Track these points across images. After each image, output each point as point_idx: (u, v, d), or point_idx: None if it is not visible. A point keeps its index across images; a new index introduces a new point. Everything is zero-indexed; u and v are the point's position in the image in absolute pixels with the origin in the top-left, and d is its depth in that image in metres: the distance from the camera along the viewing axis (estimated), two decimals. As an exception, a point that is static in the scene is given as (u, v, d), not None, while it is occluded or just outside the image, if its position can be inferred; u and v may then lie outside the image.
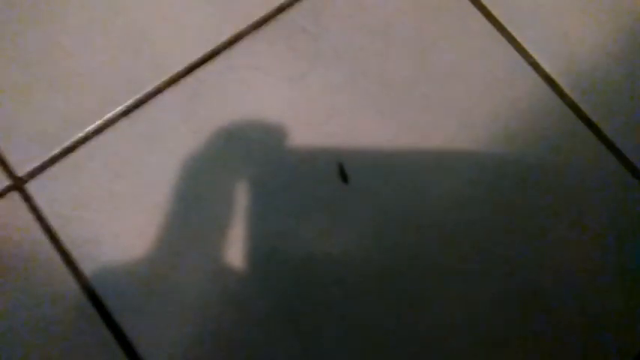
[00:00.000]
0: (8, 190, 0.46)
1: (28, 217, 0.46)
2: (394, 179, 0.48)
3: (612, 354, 0.46)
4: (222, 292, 0.45)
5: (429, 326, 0.45)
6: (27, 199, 0.46)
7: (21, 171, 0.46)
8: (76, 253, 0.45)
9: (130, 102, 0.48)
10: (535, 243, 0.47)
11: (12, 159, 0.46)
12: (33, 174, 0.46)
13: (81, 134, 0.47)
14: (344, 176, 0.47)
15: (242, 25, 0.51)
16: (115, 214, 0.46)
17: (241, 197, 0.46)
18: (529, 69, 0.52)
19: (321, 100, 0.49)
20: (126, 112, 0.48)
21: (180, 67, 0.49)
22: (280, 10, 0.51)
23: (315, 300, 0.45)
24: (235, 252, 0.45)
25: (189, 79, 0.49)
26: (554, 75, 0.51)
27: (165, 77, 0.49)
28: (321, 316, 0.45)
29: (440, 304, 0.46)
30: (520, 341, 0.45)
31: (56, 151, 0.47)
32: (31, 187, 0.46)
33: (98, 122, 0.47)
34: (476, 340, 0.45)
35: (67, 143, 0.47)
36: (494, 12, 0.52)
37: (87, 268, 0.45)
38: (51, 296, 0.44)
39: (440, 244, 0.47)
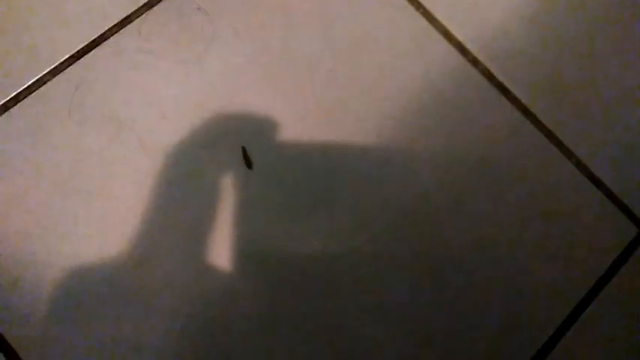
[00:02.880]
0: None
1: None
2: (301, 161, 0.45)
3: (536, 324, 0.44)
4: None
5: (348, 312, 0.43)
6: None
7: None
8: (-49, 264, 0.41)
9: (9, 97, 0.44)
10: (451, 218, 0.45)
11: None
12: None
13: (-45, 134, 0.43)
14: (248, 162, 0.45)
15: (131, 7, 0.47)
16: (-3, 218, 0.42)
17: (136, 191, 0.43)
18: (440, 38, 0.49)
19: (221, 82, 0.46)
20: (5, 108, 0.44)
21: (64, 56, 0.45)
22: (172, -11, 0.48)
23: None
24: (133, 251, 0.42)
25: (74, 69, 0.45)
26: (465, 43, 0.49)
27: (47, 68, 0.45)
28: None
29: (341, 288, 0.43)
30: (442, 316, 0.43)
31: None
32: None
33: (-26, 120, 0.43)
34: (398, 320, 0.43)
35: (-61, 145, 0.43)
36: (401, -20, 0.50)
37: (-31, 279, 0.41)
38: None
39: (354, 226, 0.44)
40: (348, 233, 0.44)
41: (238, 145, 0.45)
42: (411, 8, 0.50)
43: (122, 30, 0.46)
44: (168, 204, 0.43)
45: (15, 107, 0.44)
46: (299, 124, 0.46)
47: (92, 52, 0.46)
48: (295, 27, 0.48)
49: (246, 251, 0.43)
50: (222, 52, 0.47)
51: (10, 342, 0.40)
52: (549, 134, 0.48)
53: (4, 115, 0.44)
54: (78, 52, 0.46)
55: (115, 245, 0.42)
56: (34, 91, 0.45)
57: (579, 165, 0.47)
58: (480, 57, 0.49)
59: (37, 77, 0.45)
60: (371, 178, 0.45)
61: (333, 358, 0.42)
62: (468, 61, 0.49)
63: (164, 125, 0.45)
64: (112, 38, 0.46)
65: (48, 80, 0.45)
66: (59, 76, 0.45)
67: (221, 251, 0.43)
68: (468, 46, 0.49)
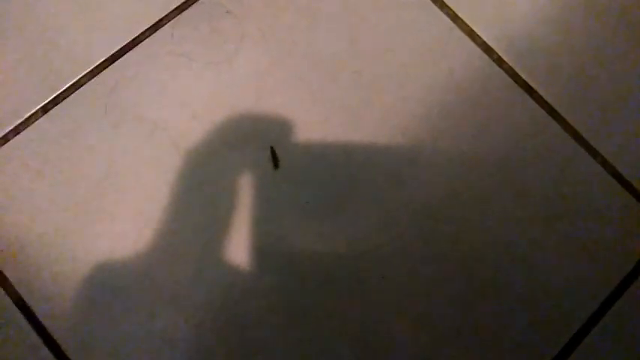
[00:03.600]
0: None
1: (-50, 224, 0.44)
2: (327, 160, 0.46)
3: (560, 322, 0.44)
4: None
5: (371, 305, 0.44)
6: (-54, 205, 0.44)
7: (-63, 177, 0.44)
8: (-3, 258, 0.43)
9: (48, 99, 0.46)
10: (477, 216, 0.46)
11: None
12: (-49, 179, 0.44)
13: (-1, 136, 0.45)
14: (276, 161, 0.46)
15: (163, 12, 0.49)
16: (38, 214, 0.44)
17: (170, 190, 0.45)
18: (464, 38, 0.50)
19: (249, 83, 0.48)
20: (45, 110, 0.46)
21: (99, 59, 0.47)
22: (202, -7, 0.49)
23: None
24: (168, 250, 0.44)
25: (109, 72, 0.47)
26: (490, 42, 0.50)
27: (84, 71, 0.47)
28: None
29: (376, 284, 0.44)
30: (466, 313, 0.44)
31: (-26, 154, 0.45)
32: (-50, 193, 0.44)
33: (16, 122, 0.46)
34: (422, 317, 0.44)
35: (-16, 146, 0.45)
36: (426, -19, 0.51)
37: (11, 274, 0.43)
38: (-21, 305, 0.43)
39: (378, 224, 0.45)
40: (373, 232, 0.45)
41: (266, 145, 0.46)
42: (435, 8, 0.50)
43: (155, 33, 0.48)
44: (200, 202, 0.45)
45: (54, 109, 0.46)
46: (325, 124, 0.47)
47: (126, 55, 0.48)
48: (320, 29, 0.49)
49: (273, 248, 0.44)
50: (251, 54, 0.48)
51: (53, 334, 0.42)
52: (575, 133, 0.48)
53: (43, 117, 0.46)
54: (113, 55, 0.47)
55: (149, 242, 0.44)
56: (72, 93, 0.46)
57: (605, 164, 0.47)
58: (505, 56, 0.49)
59: (74, 80, 0.47)
60: (396, 177, 0.46)
61: (357, 353, 0.43)
62: (493, 60, 0.49)
63: (196, 125, 0.46)
64: (145, 41, 0.48)
65: (84, 83, 0.47)
66: (95, 78, 0.47)
67: (250, 248, 0.44)
68: (493, 45, 0.50)
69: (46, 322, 0.42)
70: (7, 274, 0.43)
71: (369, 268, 0.44)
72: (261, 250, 0.44)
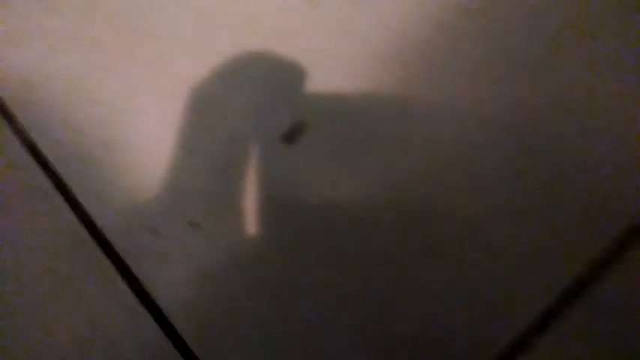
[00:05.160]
0: None
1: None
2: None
3: (623, 197, 0.38)
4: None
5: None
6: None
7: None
8: (5, 94, 0.39)
9: None
10: (540, 77, 0.39)
11: None
12: (-43, 15, 0.41)
13: (6, -34, 0.41)
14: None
15: None
16: (49, 52, 0.40)
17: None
18: None
19: None
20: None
21: None
22: None
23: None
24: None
25: None
26: None
27: None
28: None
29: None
30: (518, 183, 0.38)
31: (-20, -14, 0.41)
32: (-44, 28, 0.40)
33: (25, -49, 0.41)
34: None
35: (-9, -22, 0.41)
36: None
37: (22, 117, 0.40)
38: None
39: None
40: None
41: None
42: None
43: None
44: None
45: (65, -61, 0.41)
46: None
47: None
48: None
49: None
50: None
51: (63, 179, 0.38)
52: None
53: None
54: None
55: (167, 88, 0.39)
56: None
57: None
58: None
59: None
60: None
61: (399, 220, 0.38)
62: None
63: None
64: None
65: None
66: None
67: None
68: None
69: (58, 168, 0.39)
70: (19, 117, 0.40)
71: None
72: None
